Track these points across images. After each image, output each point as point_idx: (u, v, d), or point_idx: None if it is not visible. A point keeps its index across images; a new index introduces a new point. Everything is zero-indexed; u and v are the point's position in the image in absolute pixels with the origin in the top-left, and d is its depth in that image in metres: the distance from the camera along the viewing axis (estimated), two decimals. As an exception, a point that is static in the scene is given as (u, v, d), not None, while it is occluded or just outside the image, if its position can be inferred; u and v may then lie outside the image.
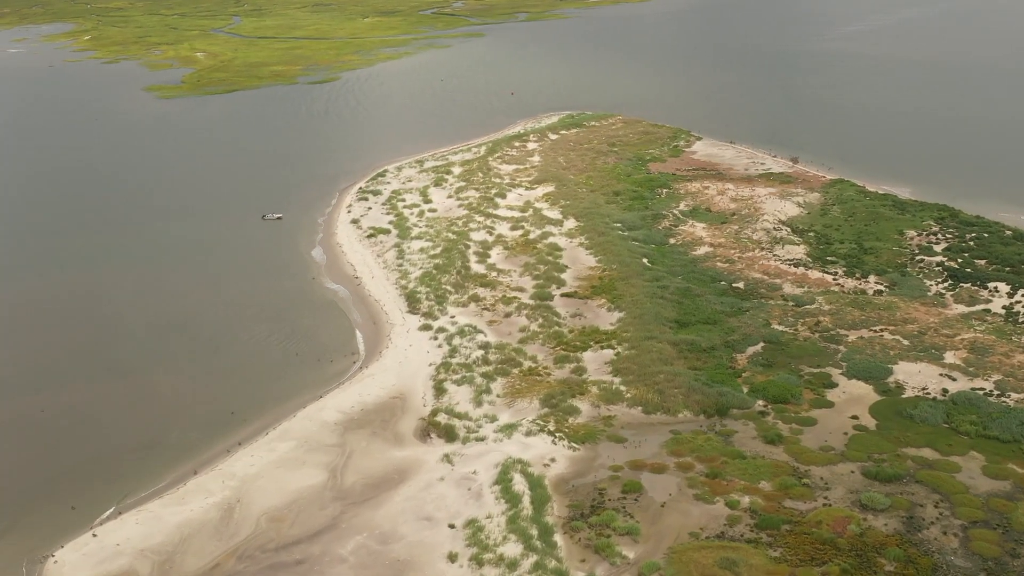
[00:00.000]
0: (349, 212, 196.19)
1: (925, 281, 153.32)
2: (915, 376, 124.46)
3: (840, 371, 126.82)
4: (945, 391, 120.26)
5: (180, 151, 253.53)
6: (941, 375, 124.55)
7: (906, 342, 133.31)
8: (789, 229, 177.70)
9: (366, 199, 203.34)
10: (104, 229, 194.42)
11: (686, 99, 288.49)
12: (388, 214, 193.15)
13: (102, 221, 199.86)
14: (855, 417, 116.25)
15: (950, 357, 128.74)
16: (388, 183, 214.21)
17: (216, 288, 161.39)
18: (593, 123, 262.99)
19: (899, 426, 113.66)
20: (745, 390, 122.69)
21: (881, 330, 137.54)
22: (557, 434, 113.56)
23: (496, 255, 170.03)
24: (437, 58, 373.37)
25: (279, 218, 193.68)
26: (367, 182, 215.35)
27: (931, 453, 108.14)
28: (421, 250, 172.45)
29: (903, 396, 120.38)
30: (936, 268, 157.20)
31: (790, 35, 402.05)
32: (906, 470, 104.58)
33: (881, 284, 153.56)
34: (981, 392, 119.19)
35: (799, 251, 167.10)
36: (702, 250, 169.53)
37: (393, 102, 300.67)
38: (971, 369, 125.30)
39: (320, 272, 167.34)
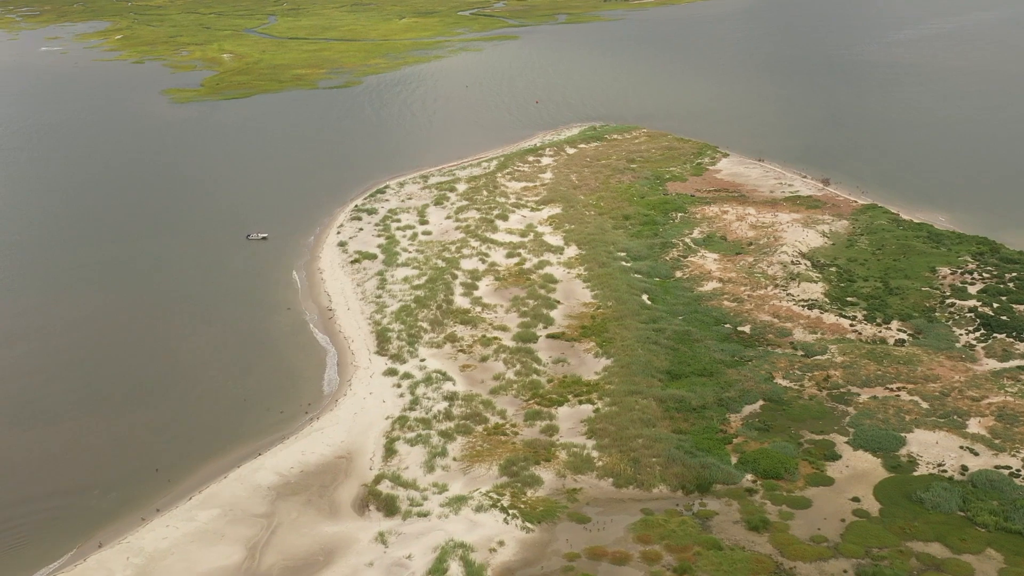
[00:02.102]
0: (339, 233, 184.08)
1: (954, 329, 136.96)
2: (931, 448, 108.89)
3: (846, 439, 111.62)
4: (964, 469, 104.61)
5: (176, 161, 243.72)
6: (961, 448, 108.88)
7: (925, 405, 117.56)
8: (809, 263, 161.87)
9: (360, 218, 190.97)
10: (73, 246, 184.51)
11: (717, 111, 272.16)
12: (379, 236, 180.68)
13: (76, 237, 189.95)
14: (856, 499, 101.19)
15: (974, 425, 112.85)
16: (387, 200, 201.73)
17: (176, 318, 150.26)
18: (615, 136, 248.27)
19: (906, 513, 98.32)
20: (734, 461, 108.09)
21: (898, 389, 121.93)
22: (511, 511, 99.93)
23: (484, 287, 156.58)
24: (466, 62, 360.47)
25: (264, 238, 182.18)
26: (364, 199, 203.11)
27: (940, 550, 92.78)
28: (405, 279, 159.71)
29: (915, 474, 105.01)
30: (968, 314, 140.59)
31: (841, 41, 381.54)
32: (909, 572, 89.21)
33: (904, 332, 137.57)
34: (1006, 472, 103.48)
35: (816, 290, 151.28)
36: (709, 286, 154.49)
37: (410, 110, 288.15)
38: (997, 441, 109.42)
39: (295, 302, 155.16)
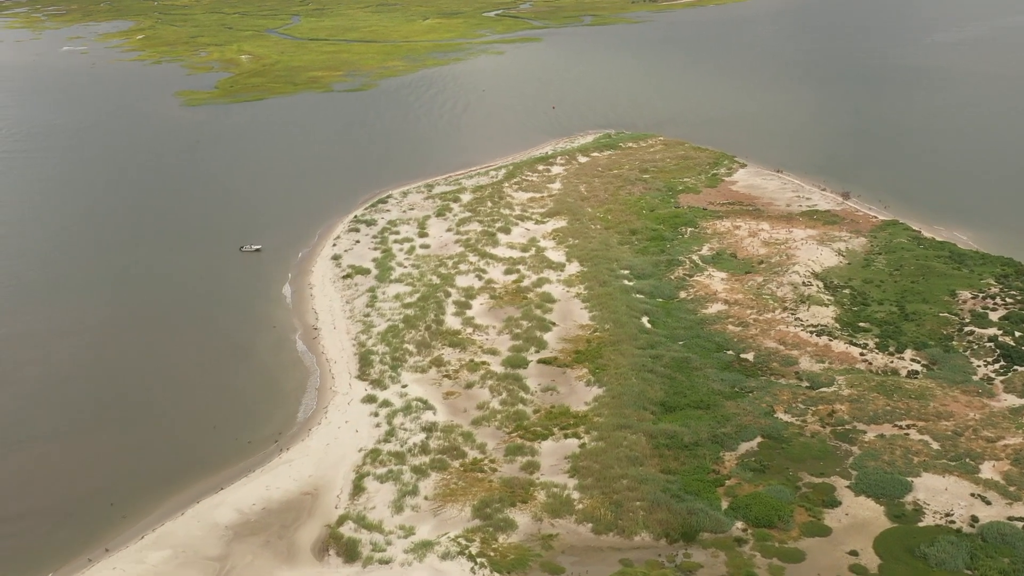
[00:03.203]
0: (334, 245, 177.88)
1: (972, 360, 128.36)
2: (940, 495, 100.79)
3: (848, 483, 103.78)
4: (974, 520, 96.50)
5: (178, 166, 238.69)
6: (973, 495, 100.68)
7: (936, 445, 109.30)
8: (821, 284, 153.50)
9: (357, 230, 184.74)
10: (59, 254, 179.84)
11: (738, 118, 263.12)
12: (375, 249, 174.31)
13: (63, 244, 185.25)
14: (854, 552, 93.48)
15: (988, 470, 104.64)
16: (388, 211, 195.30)
17: (152, 337, 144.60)
18: (630, 144, 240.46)
19: (908, 570, 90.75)
20: (724, 505, 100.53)
21: (908, 426, 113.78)
22: (479, 559, 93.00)
23: (478, 306, 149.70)
24: (485, 65, 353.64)
25: (258, 250, 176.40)
26: (365, 209, 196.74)
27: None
28: (396, 296, 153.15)
29: (920, 524, 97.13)
30: (987, 344, 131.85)
31: (872, 44, 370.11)
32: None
33: (918, 362, 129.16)
34: (1020, 524, 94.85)
35: (827, 314, 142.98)
36: (714, 308, 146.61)
37: (422, 115, 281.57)
38: (1012, 489, 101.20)
39: (281, 319, 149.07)
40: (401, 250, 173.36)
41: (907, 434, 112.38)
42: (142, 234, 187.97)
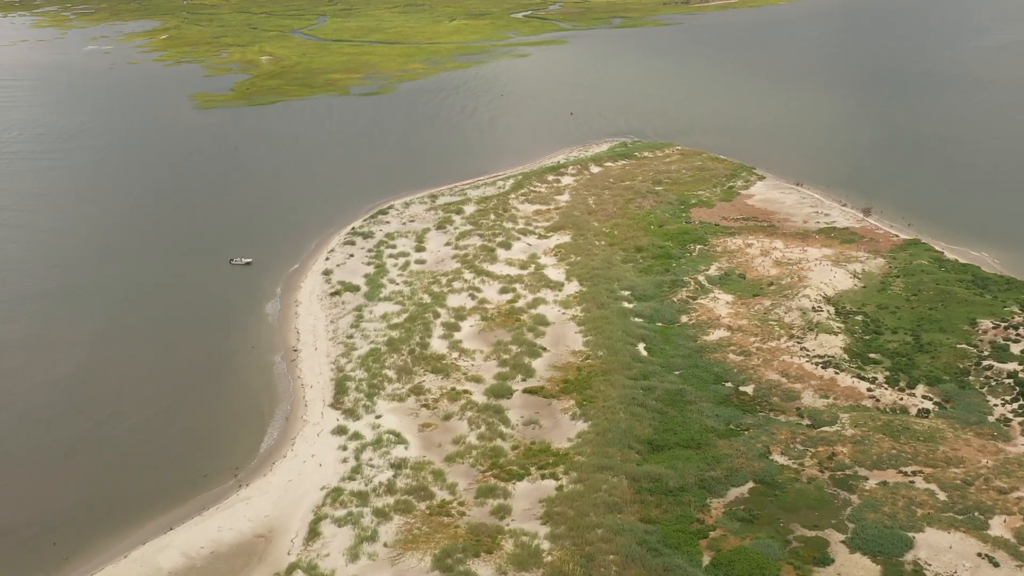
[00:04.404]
0: (327, 259, 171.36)
1: (988, 398, 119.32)
2: (943, 554, 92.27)
3: (843, 537, 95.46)
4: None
5: (179, 172, 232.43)
6: (980, 555, 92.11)
7: (942, 496, 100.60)
8: (832, 309, 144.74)
9: (353, 242, 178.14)
10: (41, 262, 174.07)
11: (760, 127, 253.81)
12: (369, 264, 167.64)
13: (48, 252, 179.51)
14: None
15: (998, 526, 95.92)
16: (387, 222, 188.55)
17: (118, 356, 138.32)
18: (646, 153, 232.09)
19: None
20: (706, 561, 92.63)
21: (914, 473, 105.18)
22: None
23: (468, 328, 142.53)
24: (507, 69, 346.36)
25: (248, 263, 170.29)
26: (363, 220, 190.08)
27: None
28: (383, 316, 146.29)
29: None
30: (1006, 381, 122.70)
31: (913, 48, 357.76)
32: None
33: (930, 399, 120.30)
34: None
35: (835, 343, 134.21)
36: (716, 334, 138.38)
37: (436, 120, 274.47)
38: (1023, 549, 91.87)
39: (262, 339, 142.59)
40: (395, 265, 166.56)
41: (912, 482, 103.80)
42: (128, 244, 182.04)
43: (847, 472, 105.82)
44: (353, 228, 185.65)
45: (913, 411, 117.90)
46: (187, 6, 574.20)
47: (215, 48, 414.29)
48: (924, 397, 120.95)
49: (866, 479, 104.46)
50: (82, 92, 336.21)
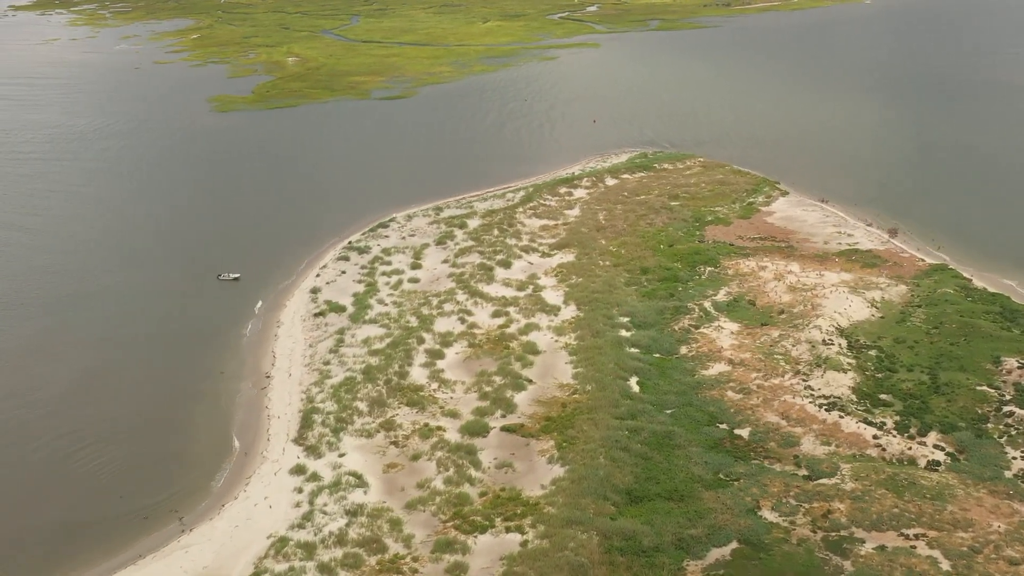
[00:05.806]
0: (318, 276, 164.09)
1: (1007, 450, 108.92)
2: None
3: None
4: (979, 676, 77.44)
5: (180, 178, 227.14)
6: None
7: (946, 566, 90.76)
8: (844, 343, 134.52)
9: (347, 258, 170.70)
10: (26, 272, 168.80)
11: (788, 138, 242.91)
12: (360, 282, 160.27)
13: (33, 261, 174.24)
14: None
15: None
16: (386, 236, 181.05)
17: (82, 379, 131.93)
18: (665, 165, 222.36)
19: None
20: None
21: (916, 536, 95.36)
22: None
23: (452, 355, 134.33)
24: (535, 72, 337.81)
25: (236, 279, 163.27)
26: (362, 234, 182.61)
27: None
28: (365, 341, 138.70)
29: None
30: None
31: (955, 55, 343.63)
32: None
33: (942, 449, 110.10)
34: None
35: (844, 382, 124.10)
36: (716, 369, 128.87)
37: (453, 127, 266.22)
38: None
39: (234, 364, 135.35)
40: (387, 284, 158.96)
41: (913, 547, 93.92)
42: (116, 255, 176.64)
43: (842, 533, 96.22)
44: (350, 242, 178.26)
45: (922, 463, 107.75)
46: (223, 5, 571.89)
47: (243, 49, 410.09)
48: (936, 447, 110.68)
49: (863, 542, 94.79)
50: (102, 93, 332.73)
